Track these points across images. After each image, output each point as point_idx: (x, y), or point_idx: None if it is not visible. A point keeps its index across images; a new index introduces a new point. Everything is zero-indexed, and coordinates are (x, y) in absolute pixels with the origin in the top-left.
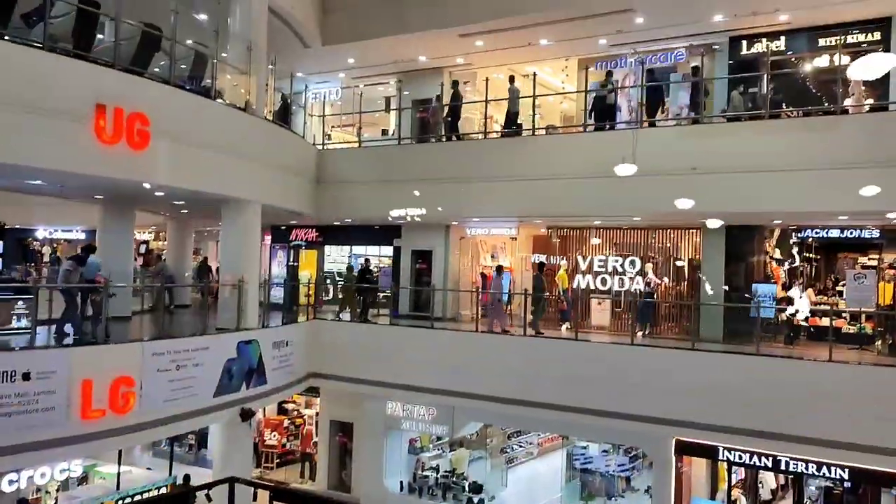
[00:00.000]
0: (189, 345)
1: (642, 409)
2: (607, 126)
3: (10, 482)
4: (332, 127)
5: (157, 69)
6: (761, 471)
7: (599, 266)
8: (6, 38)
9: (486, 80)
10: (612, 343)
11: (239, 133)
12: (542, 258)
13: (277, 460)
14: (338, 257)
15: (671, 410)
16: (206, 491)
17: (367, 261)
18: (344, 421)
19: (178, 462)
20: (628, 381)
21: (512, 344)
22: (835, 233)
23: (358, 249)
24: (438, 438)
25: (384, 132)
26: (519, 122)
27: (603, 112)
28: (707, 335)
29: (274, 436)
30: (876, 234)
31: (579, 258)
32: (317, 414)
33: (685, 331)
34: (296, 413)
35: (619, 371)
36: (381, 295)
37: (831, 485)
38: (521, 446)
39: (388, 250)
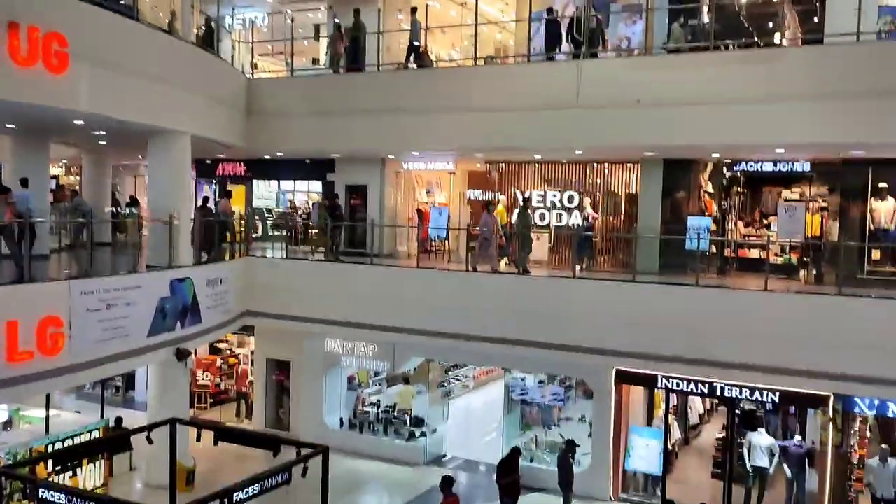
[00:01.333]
0: (120, 283)
1: (583, 341)
2: (550, 57)
3: None
4: (260, 55)
5: None
6: (690, 397)
7: (538, 201)
8: None
9: (414, 9)
10: (553, 277)
11: (166, 58)
12: (478, 193)
13: (211, 400)
14: (265, 193)
15: (611, 342)
16: (146, 433)
17: (334, 195)
18: (281, 359)
19: (106, 405)
20: (569, 313)
21: (452, 279)
22: (768, 166)
23: (287, 184)
24: (376, 374)
25: (314, 61)
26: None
27: (553, 40)
28: (644, 268)
29: (207, 376)
30: (807, 167)
31: (517, 193)
32: (251, 353)
33: (622, 264)
34: (229, 353)
35: (560, 304)
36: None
37: (754, 407)
38: (457, 380)
39: (318, 186)
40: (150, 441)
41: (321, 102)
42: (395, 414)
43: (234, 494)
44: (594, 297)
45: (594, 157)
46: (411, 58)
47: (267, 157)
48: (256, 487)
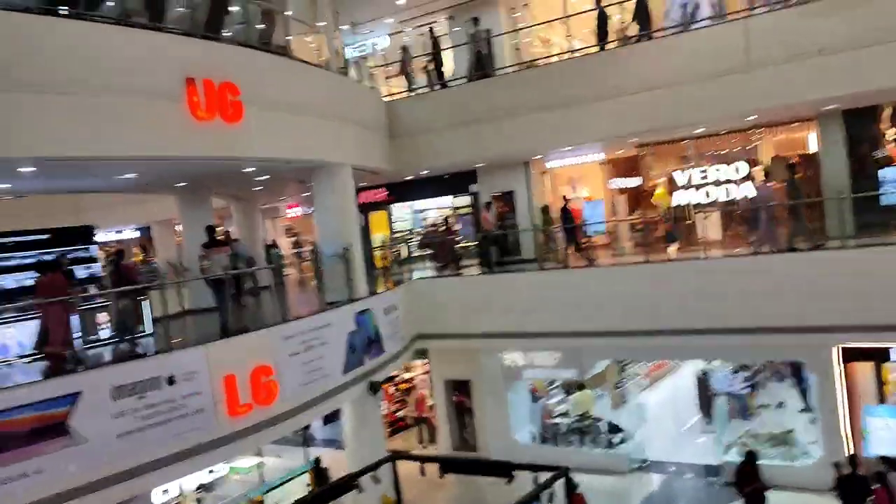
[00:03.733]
0: (314, 323)
1: (794, 320)
2: (695, 26)
3: (164, 492)
4: (387, 78)
5: (229, 33)
6: None
7: (701, 178)
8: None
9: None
10: (742, 255)
11: (323, 92)
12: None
13: (389, 429)
14: (400, 216)
15: (828, 317)
16: (372, 473)
17: (488, 204)
18: (458, 379)
19: (290, 445)
20: (768, 292)
21: (630, 273)
22: None
23: (422, 204)
24: (551, 383)
25: (440, 75)
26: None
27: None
28: (837, 234)
29: (384, 405)
30: None
31: (676, 174)
32: (425, 374)
33: (809, 233)
34: (399, 379)
35: (756, 283)
36: (461, 245)
37: None
38: (631, 378)
39: (462, 200)
40: (376, 480)
41: (463, 113)
42: (588, 422)
43: None
44: (794, 271)
45: (758, 122)
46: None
47: (408, 178)
48: None
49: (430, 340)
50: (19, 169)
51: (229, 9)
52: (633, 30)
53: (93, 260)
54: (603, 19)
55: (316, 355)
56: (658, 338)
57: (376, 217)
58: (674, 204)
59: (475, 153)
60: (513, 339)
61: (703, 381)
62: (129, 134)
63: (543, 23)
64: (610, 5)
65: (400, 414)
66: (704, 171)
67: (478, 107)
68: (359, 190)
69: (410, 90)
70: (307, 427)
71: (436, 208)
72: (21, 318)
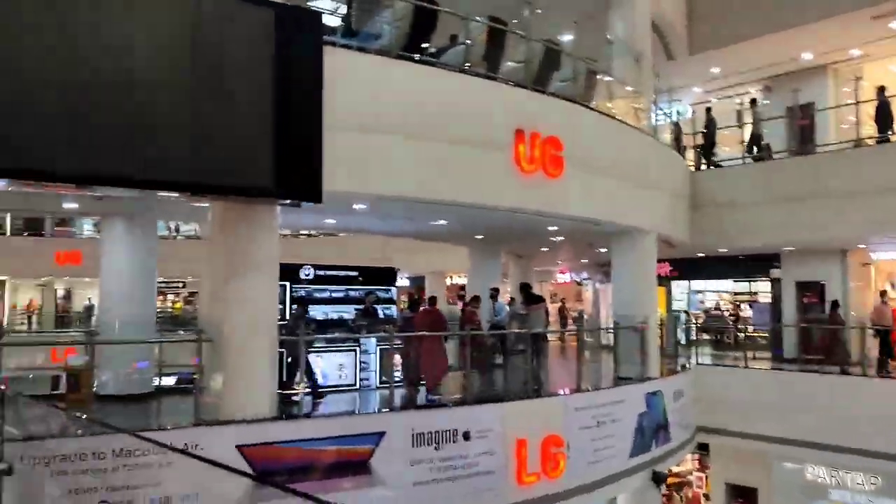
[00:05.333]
0: (606, 398)
1: None
2: None
3: None
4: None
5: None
6: None
7: None
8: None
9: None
10: None
11: (637, 154)
12: None
13: None
14: (676, 294)
15: None
16: None
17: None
18: (743, 485)
19: None
20: None
21: None
22: None
23: (711, 284)
24: None
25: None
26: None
27: None
28: None
29: None
30: None
31: None
32: (699, 470)
33: None
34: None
35: None
36: (748, 335)
37: None
38: None
39: (758, 285)
40: None
41: (778, 189)
42: None
43: None
44: None
45: None
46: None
47: (699, 255)
48: None
49: (714, 436)
50: (355, 206)
51: (559, 65)
52: None
53: (392, 301)
54: None
55: (605, 433)
56: None
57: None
58: None
59: (786, 235)
60: (814, 451)
61: None
62: (458, 180)
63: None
64: None
65: None
66: None
67: (797, 184)
68: None
69: (711, 162)
70: None
71: (713, 290)
72: (331, 349)
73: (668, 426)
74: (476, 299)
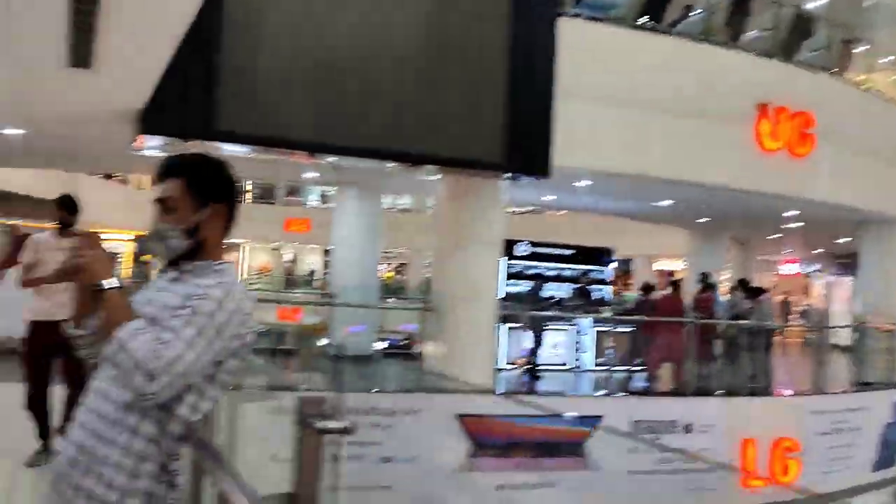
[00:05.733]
0: (846, 403)
1: None
2: None
3: None
4: None
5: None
6: None
7: None
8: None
9: None
10: None
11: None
12: None
13: None
14: None
15: None
16: None
17: None
18: None
19: None
20: None
21: None
22: None
23: None
24: None
25: None
26: None
27: None
28: None
29: None
30: None
31: None
32: None
33: None
34: None
35: None
36: None
37: None
38: None
39: None
40: None
41: None
42: None
43: None
44: None
45: None
46: None
47: None
48: None
49: None
50: (575, 183)
51: (811, 32)
52: None
53: (604, 282)
54: None
55: (844, 441)
56: None
57: None
58: None
59: None
60: None
61: None
62: (689, 158)
63: None
64: None
65: None
66: None
67: None
68: None
69: None
70: None
71: None
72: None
73: None
74: (711, 287)
